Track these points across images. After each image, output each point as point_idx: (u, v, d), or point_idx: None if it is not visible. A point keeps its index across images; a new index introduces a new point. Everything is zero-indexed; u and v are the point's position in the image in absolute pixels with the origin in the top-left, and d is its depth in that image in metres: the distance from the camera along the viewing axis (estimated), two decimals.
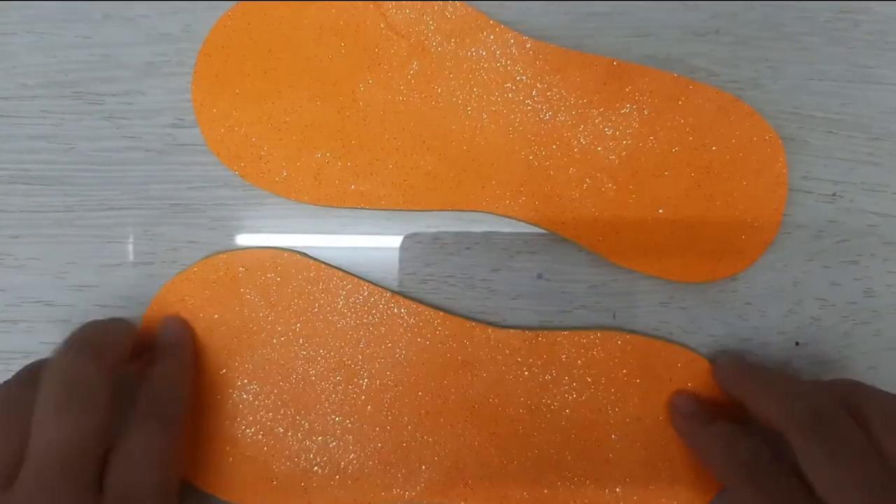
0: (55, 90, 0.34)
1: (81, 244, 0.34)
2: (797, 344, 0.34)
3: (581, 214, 0.33)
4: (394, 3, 0.33)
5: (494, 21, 0.32)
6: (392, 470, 0.32)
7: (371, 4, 0.33)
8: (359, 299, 0.33)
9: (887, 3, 0.34)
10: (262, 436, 0.32)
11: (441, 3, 0.32)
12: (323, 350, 0.33)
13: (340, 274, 0.33)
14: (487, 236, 0.34)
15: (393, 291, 0.33)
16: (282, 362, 0.32)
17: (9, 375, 0.33)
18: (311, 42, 0.33)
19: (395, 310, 0.33)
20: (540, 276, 0.34)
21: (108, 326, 0.29)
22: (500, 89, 0.33)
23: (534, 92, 0.33)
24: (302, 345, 0.33)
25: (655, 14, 0.34)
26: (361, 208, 0.33)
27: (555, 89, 0.33)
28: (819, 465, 0.25)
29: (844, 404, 0.27)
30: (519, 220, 0.33)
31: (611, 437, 0.32)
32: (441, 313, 0.33)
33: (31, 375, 0.26)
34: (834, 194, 0.34)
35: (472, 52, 0.33)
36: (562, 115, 0.33)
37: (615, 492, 0.32)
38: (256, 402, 0.32)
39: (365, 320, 0.33)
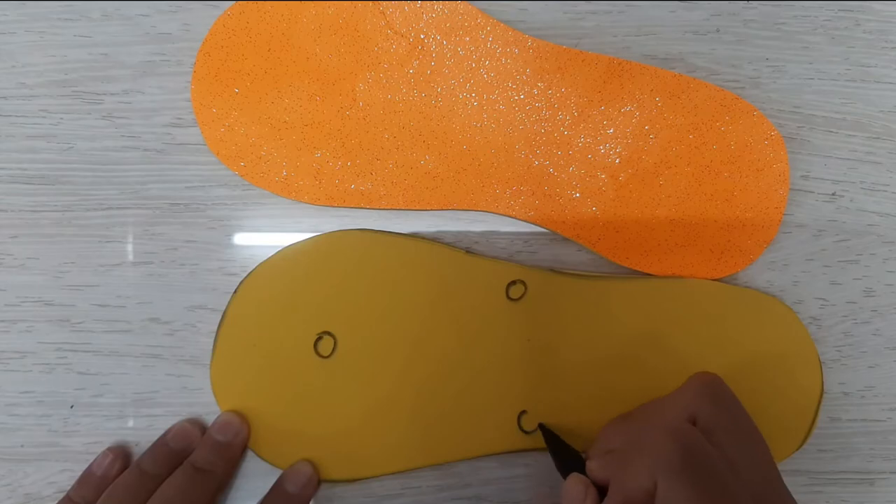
0: (54, 89, 0.33)
1: (81, 244, 0.34)
2: None
3: (581, 213, 0.33)
4: (393, 1, 0.32)
5: (495, 20, 0.32)
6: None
7: (370, 3, 0.32)
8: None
9: (887, 3, 0.34)
10: None
11: (441, 1, 0.32)
12: None
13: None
14: (487, 236, 0.34)
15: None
16: None
17: (7, 374, 0.33)
18: (310, 41, 0.33)
19: None
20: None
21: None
22: (500, 88, 0.33)
23: (534, 91, 0.33)
24: None
25: (656, 13, 0.34)
26: (361, 208, 0.33)
27: (555, 88, 0.33)
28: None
29: (700, 428, 0.27)
30: (519, 220, 0.33)
31: None
32: None
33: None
34: (834, 194, 0.34)
35: (471, 51, 0.33)
36: (562, 114, 0.33)
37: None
38: None
39: None
